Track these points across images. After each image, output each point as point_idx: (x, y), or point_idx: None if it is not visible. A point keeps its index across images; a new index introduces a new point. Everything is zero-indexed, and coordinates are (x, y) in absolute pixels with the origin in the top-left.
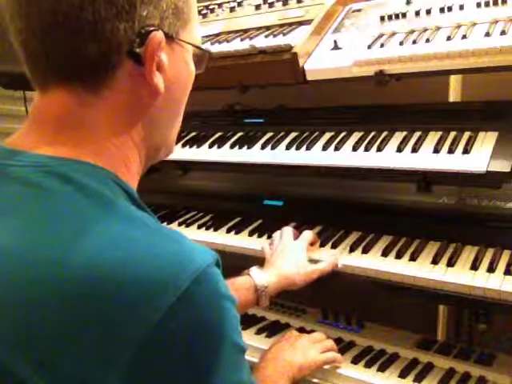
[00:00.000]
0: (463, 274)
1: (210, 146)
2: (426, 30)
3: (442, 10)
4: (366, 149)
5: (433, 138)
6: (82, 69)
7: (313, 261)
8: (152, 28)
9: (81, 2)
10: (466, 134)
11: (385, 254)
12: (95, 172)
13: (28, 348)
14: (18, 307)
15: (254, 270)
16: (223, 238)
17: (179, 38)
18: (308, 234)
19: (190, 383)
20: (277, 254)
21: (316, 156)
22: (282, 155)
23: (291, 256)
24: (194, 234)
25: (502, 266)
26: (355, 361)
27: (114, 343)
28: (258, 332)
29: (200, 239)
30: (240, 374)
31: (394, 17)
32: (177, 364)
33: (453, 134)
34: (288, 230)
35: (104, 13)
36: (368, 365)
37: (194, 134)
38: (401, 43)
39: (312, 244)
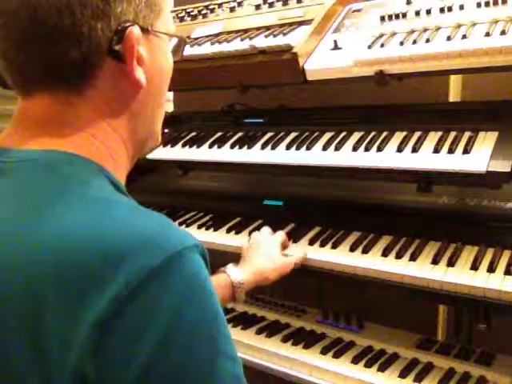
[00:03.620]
0: (463, 274)
1: (210, 146)
2: (426, 30)
3: (441, 10)
4: (366, 149)
5: (433, 138)
6: (63, 73)
7: (285, 255)
8: (128, 24)
9: (57, 7)
10: (466, 134)
11: (385, 254)
12: (81, 162)
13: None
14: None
15: (230, 267)
16: (223, 238)
17: (154, 30)
18: (282, 233)
19: (158, 374)
20: (252, 249)
21: (316, 156)
22: (282, 155)
23: (265, 251)
24: (193, 234)
25: (502, 266)
26: (355, 361)
27: (78, 320)
28: (258, 332)
29: (200, 239)
30: (218, 371)
31: (394, 17)
32: (140, 344)
33: (453, 134)
34: (265, 229)
35: (80, 15)
36: (368, 365)
37: (193, 133)
38: (401, 43)
39: (284, 247)
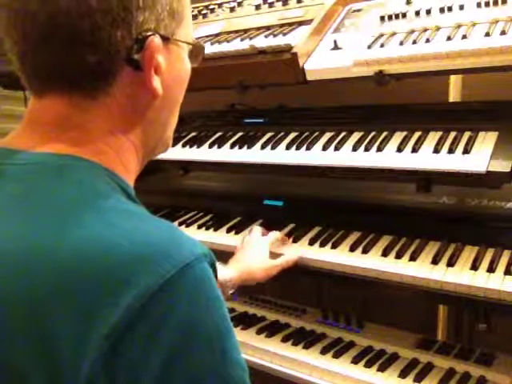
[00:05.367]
0: (463, 274)
1: (210, 146)
2: (426, 30)
3: (441, 10)
4: (366, 149)
5: (433, 138)
6: (80, 77)
7: (276, 255)
8: (149, 33)
9: (77, 12)
10: (466, 134)
11: (385, 254)
12: (92, 168)
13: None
14: (13, 297)
15: (217, 266)
16: (223, 238)
17: (175, 39)
18: (275, 233)
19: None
20: (242, 249)
21: (316, 156)
22: (282, 155)
23: (254, 251)
24: (194, 234)
25: (501, 266)
26: (355, 361)
27: (89, 331)
28: (258, 332)
29: (200, 239)
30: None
31: (393, 17)
32: (152, 356)
33: (453, 134)
34: (257, 228)
35: (101, 22)
36: (368, 365)
37: (194, 134)
38: (401, 43)
39: (283, 244)
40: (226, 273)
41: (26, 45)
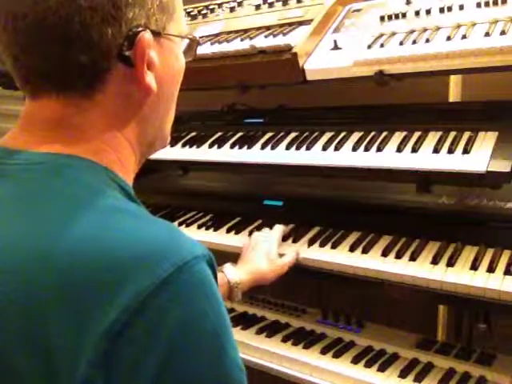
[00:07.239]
0: (463, 274)
1: (210, 146)
2: (426, 30)
3: (441, 10)
4: (366, 149)
5: (433, 138)
6: (73, 77)
7: (280, 255)
8: (139, 29)
9: (67, 12)
10: (466, 134)
11: (385, 254)
12: (90, 167)
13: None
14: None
15: (227, 267)
16: (223, 238)
17: (166, 33)
18: (279, 228)
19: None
20: (250, 249)
21: (316, 156)
22: (282, 155)
23: (263, 252)
24: (194, 234)
25: (501, 266)
26: (355, 361)
27: (85, 331)
28: (258, 332)
29: (200, 239)
30: None
31: (393, 17)
32: (149, 356)
33: (453, 134)
34: (266, 231)
35: (90, 20)
36: (368, 365)
37: (193, 134)
38: (401, 43)
39: (283, 240)
40: (236, 275)
41: (18, 47)
